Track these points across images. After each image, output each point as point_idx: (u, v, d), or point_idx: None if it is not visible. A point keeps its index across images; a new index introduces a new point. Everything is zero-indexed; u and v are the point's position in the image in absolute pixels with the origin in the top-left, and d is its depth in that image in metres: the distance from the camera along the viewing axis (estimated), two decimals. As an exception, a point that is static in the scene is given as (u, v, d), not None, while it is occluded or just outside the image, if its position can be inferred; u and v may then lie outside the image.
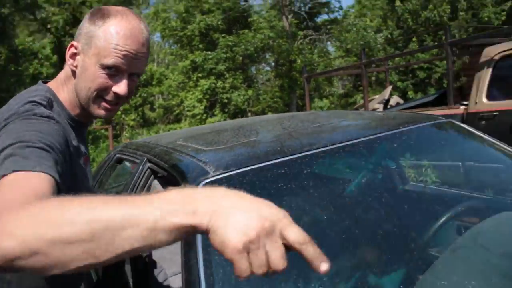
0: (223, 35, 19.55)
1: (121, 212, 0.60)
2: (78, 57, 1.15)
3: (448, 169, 2.20)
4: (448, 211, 1.56)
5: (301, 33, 20.35)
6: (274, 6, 21.91)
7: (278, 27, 19.66)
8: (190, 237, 1.13)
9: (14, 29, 19.16)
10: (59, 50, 20.36)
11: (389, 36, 15.70)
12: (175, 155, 1.67)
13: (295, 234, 0.61)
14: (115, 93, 1.14)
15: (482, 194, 1.98)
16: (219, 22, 20.28)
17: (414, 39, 14.35)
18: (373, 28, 17.32)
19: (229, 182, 1.37)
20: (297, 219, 1.49)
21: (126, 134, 20.86)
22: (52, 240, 0.59)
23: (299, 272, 1.28)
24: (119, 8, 1.17)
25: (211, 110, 19.46)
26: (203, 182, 1.36)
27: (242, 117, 17.98)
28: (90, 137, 15.46)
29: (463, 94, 4.99)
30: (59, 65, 19.18)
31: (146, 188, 1.88)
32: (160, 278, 1.96)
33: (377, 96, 6.88)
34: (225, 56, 18.98)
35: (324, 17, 23.67)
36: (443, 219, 1.51)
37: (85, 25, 1.14)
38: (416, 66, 13.45)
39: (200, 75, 19.44)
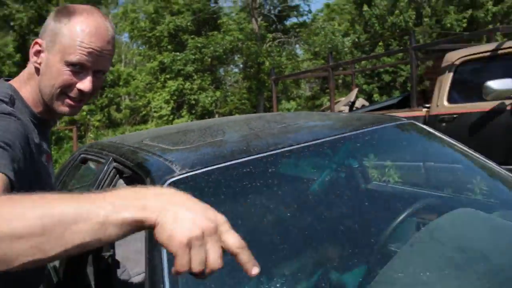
0: (192, 36, 19.48)
1: (73, 207, 0.62)
2: (42, 55, 1.15)
3: (409, 168, 2.27)
4: (407, 209, 1.62)
5: (270, 35, 20.48)
6: (244, 9, 21.98)
7: (247, 29, 19.73)
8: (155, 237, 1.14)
9: (-26, 26, 18.58)
10: (23, 48, 19.82)
11: (357, 40, 16.01)
12: (141, 154, 1.67)
13: (234, 239, 0.65)
14: (79, 90, 1.14)
15: (441, 192, 2.06)
16: (189, 24, 20.21)
17: (380, 44, 14.68)
18: (341, 32, 17.62)
19: (195, 181, 1.38)
20: (262, 217, 1.52)
21: (91, 135, 20.49)
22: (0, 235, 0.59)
23: (264, 269, 1.31)
24: (85, 6, 1.17)
25: (178, 111, 19.36)
26: (169, 181, 1.36)
27: (209, 118, 17.96)
28: (53, 137, 15.11)
29: (426, 97, 5.14)
30: (23, 64, 18.69)
31: (111, 188, 1.86)
32: (123, 278, 1.95)
33: (343, 99, 7.01)
34: (193, 57, 18.93)
35: (293, 20, 23.90)
36: (403, 216, 1.56)
37: (50, 23, 1.15)
38: (381, 70, 13.75)
39: (168, 76, 19.32)
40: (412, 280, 1.24)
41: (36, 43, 1.16)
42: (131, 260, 2.15)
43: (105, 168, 1.93)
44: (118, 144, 2.03)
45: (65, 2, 18.21)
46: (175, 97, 18.97)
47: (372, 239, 1.52)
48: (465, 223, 1.52)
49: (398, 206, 1.73)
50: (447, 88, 4.39)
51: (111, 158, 1.90)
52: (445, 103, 4.38)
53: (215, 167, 1.45)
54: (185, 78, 19.06)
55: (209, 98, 18.86)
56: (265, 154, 1.53)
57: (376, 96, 13.72)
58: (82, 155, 2.48)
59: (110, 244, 1.73)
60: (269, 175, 1.52)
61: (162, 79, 19.50)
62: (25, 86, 1.19)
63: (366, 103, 7.18)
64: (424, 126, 2.10)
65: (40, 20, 19.67)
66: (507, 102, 3.86)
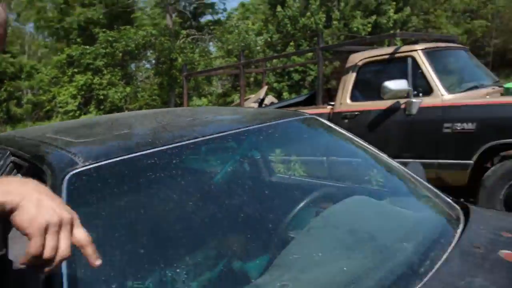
0: (103, 30, 18.75)
1: None
2: None
3: (310, 161, 2.39)
4: (307, 198, 1.72)
5: (184, 32, 20.29)
6: (158, 4, 21.56)
7: (161, 25, 19.39)
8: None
9: None
10: None
11: (269, 39, 16.35)
12: (43, 147, 1.60)
13: (82, 234, 0.74)
14: None
15: (340, 183, 2.20)
16: (101, 17, 19.41)
17: (291, 44, 15.12)
18: (255, 31, 17.89)
19: (98, 173, 1.37)
20: (165, 208, 1.54)
21: (-17, 131, 19.00)
22: None
23: (167, 260, 1.33)
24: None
25: (86, 106, 18.56)
26: (71, 173, 1.33)
27: (118, 113, 17.36)
28: None
29: (331, 95, 5.41)
30: None
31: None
32: (16, 277, 1.86)
33: (253, 96, 7.15)
34: (104, 51, 18.24)
35: (208, 17, 23.90)
36: (301, 205, 1.66)
37: None
38: (292, 69, 14.18)
39: (76, 70, 18.44)
40: (307, 262, 1.33)
41: None
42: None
43: (1, 163, 1.83)
44: (17, 138, 1.93)
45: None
46: (83, 92, 18.16)
47: (274, 229, 1.60)
48: (357, 209, 1.65)
49: (299, 196, 1.82)
50: (350, 87, 4.67)
51: (8, 152, 1.81)
52: (348, 101, 4.65)
53: (119, 159, 1.44)
54: (94, 73, 18.32)
55: (119, 94, 18.29)
56: (170, 146, 1.54)
57: (285, 94, 14.13)
58: (-27, 151, 2.32)
59: (3, 243, 1.65)
60: (174, 167, 1.54)
61: (70, 73, 18.58)
62: None
63: (275, 100, 7.39)
64: (325, 121, 2.21)
65: None
66: (402, 101, 4.19)
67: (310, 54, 11.68)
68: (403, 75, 4.20)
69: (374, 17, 15.71)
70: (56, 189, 1.22)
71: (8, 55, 22.03)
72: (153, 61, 20.99)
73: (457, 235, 1.51)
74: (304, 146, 2.25)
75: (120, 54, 18.61)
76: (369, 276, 1.24)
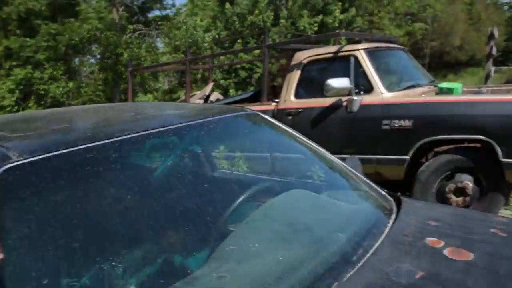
0: (46, 22, 17.99)
1: None
2: None
3: (253, 157, 2.43)
4: (246, 192, 1.76)
5: (131, 27, 19.83)
6: (105, -3, 20.93)
7: (107, 19, 18.85)
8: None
9: None
10: None
11: (217, 36, 16.31)
12: (-28, 142, 1.54)
13: None
14: None
15: (281, 177, 2.26)
16: (43, 8, 18.59)
17: (239, 41, 15.16)
18: (203, 28, 17.77)
19: (34, 168, 1.33)
20: (104, 204, 1.52)
21: None
22: None
23: (106, 256, 1.32)
24: None
25: (25, 102, 17.76)
26: (4, 168, 1.30)
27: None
28: None
29: (277, 92, 5.48)
30: None
31: None
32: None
33: (198, 92, 7.13)
34: (46, 44, 17.51)
35: (156, 13, 23.49)
36: (241, 198, 1.69)
37: None
38: (238, 66, 14.23)
39: (14, 63, 17.59)
40: (244, 253, 1.36)
41: None
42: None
43: None
44: None
45: None
46: (21, 87, 17.36)
47: (213, 223, 1.62)
48: (295, 202, 1.70)
49: (240, 191, 1.85)
50: (295, 84, 4.75)
51: None
52: (292, 98, 4.73)
53: (56, 153, 1.41)
54: (35, 67, 17.55)
55: (61, 89, 17.62)
56: (110, 141, 1.52)
57: (232, 91, 14.16)
58: None
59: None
60: (114, 162, 1.52)
61: (7, 66, 17.70)
62: None
63: (221, 97, 7.41)
64: (267, 117, 2.25)
65: None
66: (344, 99, 4.32)
67: (257, 51, 11.76)
68: (345, 74, 4.33)
69: (320, 16, 16.04)
70: (-13, 184, 1.19)
71: None
72: (98, 56, 20.37)
73: (389, 225, 1.60)
74: (246, 141, 2.29)
75: (63, 48, 17.95)
76: (304, 265, 1.28)
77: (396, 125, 4.06)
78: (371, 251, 1.38)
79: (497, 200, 3.90)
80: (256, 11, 15.50)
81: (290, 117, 4.64)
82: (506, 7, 49.81)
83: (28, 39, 17.52)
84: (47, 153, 1.38)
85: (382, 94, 4.25)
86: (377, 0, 22.46)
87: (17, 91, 17.37)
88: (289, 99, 4.74)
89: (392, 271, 1.26)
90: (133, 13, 21.84)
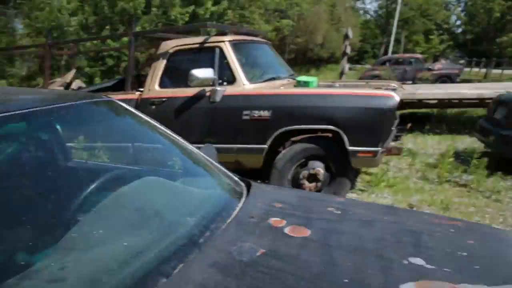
0: None
1: None
2: None
3: (108, 145, 2.37)
4: (97, 181, 1.72)
5: (-18, 4, 17.76)
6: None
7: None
8: None
9: None
10: None
11: (84, 21, 15.37)
12: None
13: None
14: None
15: (136, 166, 2.24)
16: None
17: (108, 27, 14.47)
18: (69, 11, 16.58)
19: None
20: None
21: None
22: None
23: None
24: None
25: None
26: None
27: None
28: None
29: (142, 81, 5.36)
30: None
31: None
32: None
33: (59, 79, 6.70)
34: None
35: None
36: (92, 187, 1.66)
37: None
38: (106, 54, 13.61)
39: None
40: (90, 242, 1.34)
41: None
42: None
43: None
44: None
45: None
46: None
47: (61, 213, 1.56)
48: (147, 190, 1.71)
49: (92, 180, 1.80)
50: (160, 73, 4.70)
51: None
52: (157, 87, 4.68)
53: None
54: None
55: None
56: None
57: (98, 80, 13.52)
58: None
59: None
60: None
61: None
62: None
63: (83, 85, 7.05)
64: (124, 105, 2.20)
65: None
66: (207, 89, 4.39)
67: (126, 39, 11.33)
68: (210, 64, 4.39)
69: (192, 7, 15.98)
70: None
71: None
72: None
73: (238, 208, 1.69)
74: (100, 129, 2.22)
75: None
76: (150, 250, 1.30)
77: (256, 115, 4.25)
78: (217, 233, 1.45)
79: (344, 184, 4.30)
80: (127, -3, 14.92)
81: (153, 107, 4.58)
82: (362, 12, 54.57)
83: None
84: None
85: (244, 85, 4.40)
86: (248, -5, 23.05)
87: None
88: (153, 88, 4.68)
89: (235, 250, 1.34)
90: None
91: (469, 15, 42.97)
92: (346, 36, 10.80)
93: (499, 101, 6.29)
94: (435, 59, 36.59)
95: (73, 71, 6.71)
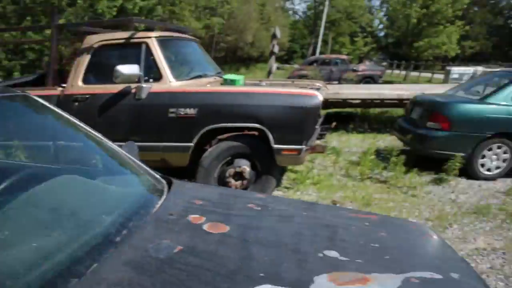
0: None
1: None
2: None
3: (26, 143, 2.26)
4: (13, 180, 1.63)
5: None
6: None
7: None
8: None
9: None
10: None
11: (1, 9, 14.44)
12: None
13: None
14: None
15: (54, 165, 2.15)
16: None
17: (28, 18, 13.70)
18: (-16, -1, 15.51)
19: None
20: None
21: None
22: None
23: None
24: None
25: None
26: None
27: None
28: None
29: (65, 77, 5.13)
30: None
31: None
32: None
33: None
34: None
35: None
36: (2, 186, 1.57)
37: None
38: (26, 46, 12.89)
39: None
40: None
41: None
42: None
43: None
44: None
45: None
46: None
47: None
48: (63, 188, 1.65)
49: (4, 179, 1.71)
50: (83, 69, 4.53)
51: None
52: (80, 83, 4.50)
53: None
54: None
55: None
56: None
57: (16, 74, 12.76)
58: None
59: None
60: None
61: None
62: None
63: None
64: (40, 100, 2.10)
65: None
66: (133, 86, 4.30)
67: (49, 32, 10.76)
68: (136, 61, 4.29)
69: (120, 1, 15.51)
70: None
71: None
72: None
73: (157, 206, 1.67)
74: (16, 126, 2.11)
75: None
76: (63, 250, 1.26)
77: (182, 113, 4.22)
78: (135, 231, 1.43)
79: (270, 182, 4.38)
80: (51, -13, 14.20)
81: (76, 103, 4.41)
82: (291, 12, 55.72)
83: None
84: None
85: (170, 82, 4.35)
86: (178, -9, 22.76)
87: None
88: (77, 84, 4.50)
89: (152, 247, 1.33)
90: None
91: (390, 20, 45.30)
92: (274, 36, 10.99)
93: (415, 102, 6.69)
94: (360, 60, 38.21)
95: (-14, 64, 6.31)
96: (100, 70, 4.55)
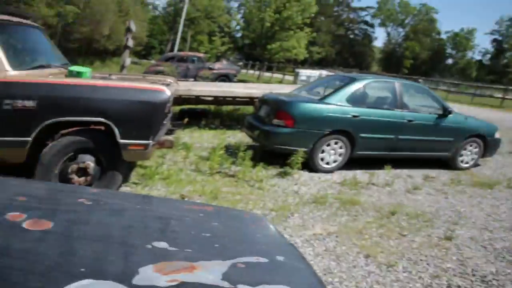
0: None
1: None
2: None
3: None
4: None
5: None
6: None
7: None
8: None
9: None
10: None
11: None
12: None
13: None
14: None
15: None
16: None
17: None
18: None
19: None
20: None
21: None
22: None
23: None
24: None
25: None
26: None
27: None
28: None
29: None
30: None
31: None
32: None
33: None
34: None
35: None
36: None
37: None
38: None
39: None
40: None
41: None
42: None
43: None
44: None
45: None
46: None
47: None
48: None
49: None
50: None
51: None
52: None
53: None
54: None
55: None
56: None
57: None
58: None
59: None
60: None
61: None
62: None
63: None
64: None
65: None
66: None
67: None
68: None
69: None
70: None
71: None
72: None
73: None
74: None
75: None
76: None
77: (19, 105, 3.85)
78: None
79: (116, 178, 4.25)
80: None
81: None
82: (151, 7, 54.67)
83: None
84: None
85: (6, 71, 3.94)
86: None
87: None
88: None
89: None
90: None
91: (247, 22, 47.07)
92: (128, 29, 10.62)
93: (263, 100, 7.05)
94: (217, 59, 39.00)
95: None
96: None
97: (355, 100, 6.52)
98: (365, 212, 4.86)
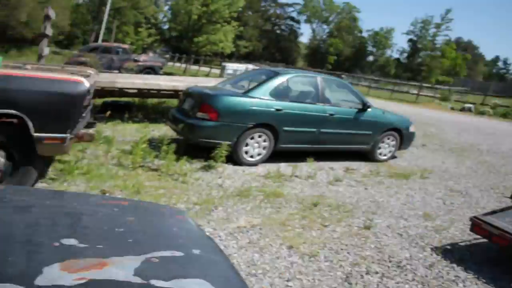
0: None
1: None
2: None
3: None
4: None
5: None
6: None
7: None
8: None
9: None
10: None
11: None
12: None
13: None
14: None
15: None
16: None
17: None
18: None
19: None
20: None
21: None
22: None
23: None
24: None
25: None
26: None
27: None
28: None
29: None
30: None
31: None
32: None
33: None
34: None
35: None
36: None
37: None
38: None
39: None
40: None
41: None
42: None
43: None
44: None
45: None
46: None
47: None
48: None
49: None
50: None
51: None
52: None
53: None
54: None
55: None
56: None
57: None
58: None
59: None
60: None
61: None
62: None
63: None
64: None
65: None
66: None
67: None
68: None
69: None
70: None
71: None
72: None
73: None
74: None
75: None
76: None
77: None
78: None
79: (30, 174, 4.02)
80: None
81: None
82: (71, -7, 52.13)
83: None
84: None
85: None
86: None
87: None
88: None
89: None
90: None
91: (174, 14, 46.31)
92: (46, 16, 10.03)
93: (188, 93, 6.97)
94: (144, 51, 38.04)
95: None
96: None
97: (278, 94, 6.62)
98: (288, 204, 4.96)
